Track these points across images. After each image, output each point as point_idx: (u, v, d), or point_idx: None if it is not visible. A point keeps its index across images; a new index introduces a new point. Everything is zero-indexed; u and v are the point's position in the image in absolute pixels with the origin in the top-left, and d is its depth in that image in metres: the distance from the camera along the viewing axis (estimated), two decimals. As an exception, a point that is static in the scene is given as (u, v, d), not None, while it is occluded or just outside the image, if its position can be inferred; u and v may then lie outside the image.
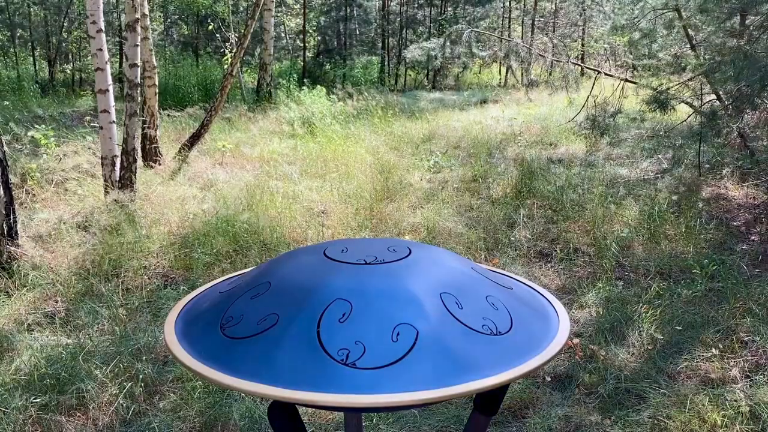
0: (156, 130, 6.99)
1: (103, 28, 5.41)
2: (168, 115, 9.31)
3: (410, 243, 0.90)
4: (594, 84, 7.86)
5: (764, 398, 2.63)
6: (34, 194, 5.54)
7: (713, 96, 5.71)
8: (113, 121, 5.47)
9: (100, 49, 5.35)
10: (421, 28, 19.52)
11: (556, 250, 4.38)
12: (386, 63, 18.58)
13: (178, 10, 17.61)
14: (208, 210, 5.15)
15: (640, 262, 4.13)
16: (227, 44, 11.68)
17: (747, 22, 5.86)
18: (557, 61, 9.12)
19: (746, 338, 3.18)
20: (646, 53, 6.86)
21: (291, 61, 19.28)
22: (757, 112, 5.61)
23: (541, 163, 6.75)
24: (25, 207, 5.20)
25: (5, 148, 4.21)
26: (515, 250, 4.42)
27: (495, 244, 4.54)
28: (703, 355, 3.04)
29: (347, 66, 18.26)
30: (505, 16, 20.48)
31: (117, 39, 15.98)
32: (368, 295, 0.75)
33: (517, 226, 4.83)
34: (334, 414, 2.64)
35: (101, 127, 5.51)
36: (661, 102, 5.84)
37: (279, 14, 18.75)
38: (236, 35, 11.86)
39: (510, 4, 20.51)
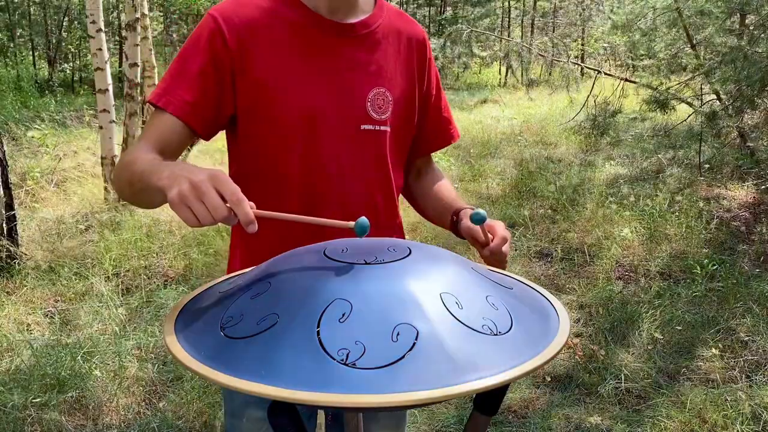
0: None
1: (102, 28, 5.41)
2: (168, 114, 9.29)
3: (410, 243, 0.90)
4: (594, 84, 7.87)
5: (765, 398, 2.63)
6: (34, 194, 5.54)
7: (713, 96, 5.71)
8: (113, 121, 5.47)
9: (100, 49, 5.35)
10: (420, 28, 19.50)
11: (556, 250, 4.38)
12: (386, 63, 18.54)
13: (178, 10, 17.61)
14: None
15: (640, 262, 4.13)
16: (227, 44, 11.66)
17: (747, 21, 5.86)
18: (557, 60, 9.13)
19: (746, 338, 3.18)
20: (646, 53, 6.86)
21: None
22: (757, 112, 5.61)
23: (541, 162, 6.75)
24: (25, 207, 5.20)
25: (5, 148, 4.21)
26: (515, 250, 4.42)
27: (495, 243, 4.54)
28: (703, 355, 3.04)
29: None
30: (504, 16, 20.49)
31: (117, 39, 15.98)
32: (368, 295, 0.75)
33: (517, 226, 4.83)
34: (334, 414, 2.64)
35: (101, 127, 5.51)
36: (661, 102, 5.84)
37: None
38: (236, 35, 11.83)
39: (510, 4, 20.51)
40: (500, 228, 1.14)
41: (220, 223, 0.86)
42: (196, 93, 1.11)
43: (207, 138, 1.18)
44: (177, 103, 1.11)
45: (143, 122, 6.82)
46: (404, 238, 1.35)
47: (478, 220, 1.09)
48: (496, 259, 1.15)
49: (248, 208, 0.83)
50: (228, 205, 0.83)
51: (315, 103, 1.14)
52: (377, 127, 1.19)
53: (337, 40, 1.17)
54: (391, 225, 1.25)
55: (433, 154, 1.45)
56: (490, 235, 1.14)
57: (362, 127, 1.18)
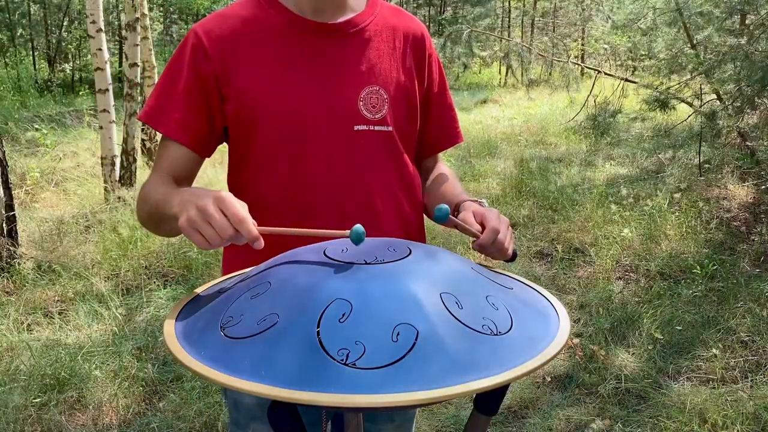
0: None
1: (102, 28, 5.41)
2: (168, 114, 9.28)
3: (410, 243, 0.90)
4: (594, 83, 7.87)
5: (765, 398, 2.63)
6: (33, 194, 5.54)
7: (713, 96, 5.71)
8: (113, 121, 5.47)
9: (100, 49, 5.35)
10: (420, 28, 19.49)
11: (556, 250, 4.38)
12: (386, 63, 18.53)
13: (177, 10, 17.61)
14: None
15: (640, 262, 4.13)
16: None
17: (747, 21, 5.86)
18: (557, 60, 9.13)
19: (746, 338, 3.18)
20: (646, 53, 6.86)
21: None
22: (757, 112, 5.60)
23: (541, 162, 6.75)
24: (25, 207, 5.20)
25: (5, 148, 4.21)
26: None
27: (495, 243, 4.53)
28: (703, 355, 3.04)
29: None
30: (504, 16, 20.48)
31: (117, 39, 15.98)
32: (368, 294, 0.75)
33: (517, 226, 4.83)
34: (334, 414, 2.64)
35: (101, 127, 5.51)
36: (661, 101, 5.84)
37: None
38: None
39: (510, 4, 20.51)
40: (492, 219, 1.05)
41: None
42: (184, 110, 1.12)
43: (206, 154, 1.17)
44: (169, 123, 1.12)
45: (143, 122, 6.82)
46: (423, 241, 1.29)
47: (439, 217, 0.98)
48: (490, 251, 1.07)
49: (251, 226, 0.86)
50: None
51: (301, 107, 1.12)
52: (372, 127, 1.15)
53: (323, 40, 1.14)
54: (393, 229, 1.19)
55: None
56: (479, 227, 1.05)
57: (356, 128, 1.13)
